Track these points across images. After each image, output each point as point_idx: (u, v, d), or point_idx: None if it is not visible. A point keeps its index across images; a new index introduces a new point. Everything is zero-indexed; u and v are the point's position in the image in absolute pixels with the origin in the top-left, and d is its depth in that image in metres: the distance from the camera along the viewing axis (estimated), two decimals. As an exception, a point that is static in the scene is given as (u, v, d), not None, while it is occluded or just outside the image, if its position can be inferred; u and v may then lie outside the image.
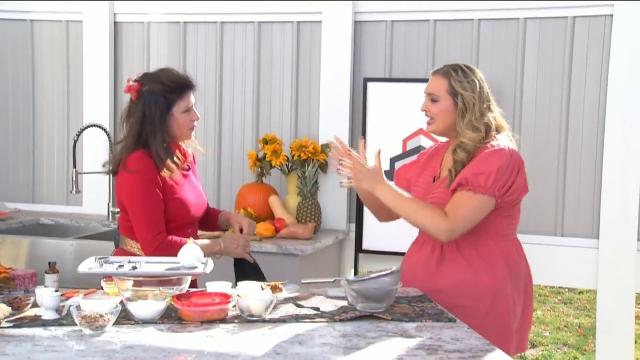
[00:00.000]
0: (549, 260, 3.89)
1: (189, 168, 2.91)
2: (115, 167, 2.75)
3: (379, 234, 3.97)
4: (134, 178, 2.67)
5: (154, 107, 2.69)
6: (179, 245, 2.50)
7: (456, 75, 2.57)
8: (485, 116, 2.58)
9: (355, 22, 4.16)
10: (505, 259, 2.59)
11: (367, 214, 3.99)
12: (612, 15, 3.74)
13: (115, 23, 4.58)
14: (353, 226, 4.13)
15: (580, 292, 7.69)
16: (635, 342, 3.93)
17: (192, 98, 2.79)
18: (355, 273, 4.10)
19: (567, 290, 7.72)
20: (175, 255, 2.44)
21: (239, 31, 4.39)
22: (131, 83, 2.74)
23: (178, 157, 2.81)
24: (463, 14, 4.01)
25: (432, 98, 2.61)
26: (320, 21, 4.20)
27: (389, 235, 3.76)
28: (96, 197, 4.52)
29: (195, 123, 2.82)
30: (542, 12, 3.88)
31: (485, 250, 2.58)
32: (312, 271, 3.77)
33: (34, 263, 3.69)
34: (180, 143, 2.86)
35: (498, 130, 2.62)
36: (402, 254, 2.81)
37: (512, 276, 2.60)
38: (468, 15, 4.00)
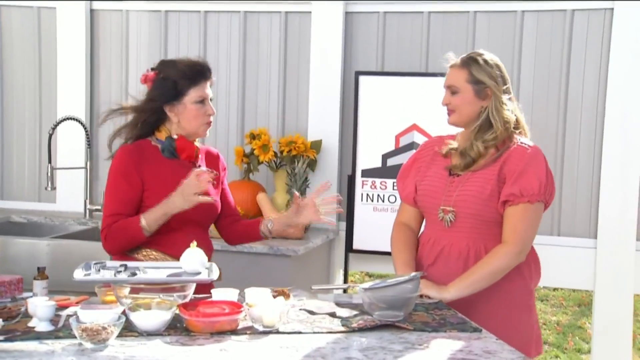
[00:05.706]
0: (546, 260, 3.76)
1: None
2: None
3: (369, 234, 3.86)
4: (112, 168, 2.50)
5: (163, 94, 2.47)
6: (129, 225, 2.40)
7: (476, 63, 2.46)
8: (506, 108, 2.48)
9: (347, 13, 4.01)
10: (533, 259, 2.55)
11: (358, 213, 3.87)
12: (612, 9, 3.65)
13: (92, 11, 4.35)
14: (343, 225, 3.97)
15: (555, 289, 7.64)
16: (633, 345, 3.85)
17: (209, 90, 2.55)
18: (345, 273, 3.95)
19: (542, 287, 7.67)
20: (125, 236, 2.40)
21: (223, 21, 4.20)
22: (148, 72, 2.53)
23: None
24: (458, 6, 3.88)
25: (452, 90, 2.49)
26: (310, 12, 4.04)
27: (380, 235, 3.58)
28: (71, 194, 4.30)
29: (211, 118, 2.56)
30: (540, 4, 3.77)
31: None
32: (302, 272, 3.61)
33: (7, 265, 3.46)
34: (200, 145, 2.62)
35: (517, 127, 2.51)
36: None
37: (534, 276, 2.58)
38: (463, 7, 3.87)
